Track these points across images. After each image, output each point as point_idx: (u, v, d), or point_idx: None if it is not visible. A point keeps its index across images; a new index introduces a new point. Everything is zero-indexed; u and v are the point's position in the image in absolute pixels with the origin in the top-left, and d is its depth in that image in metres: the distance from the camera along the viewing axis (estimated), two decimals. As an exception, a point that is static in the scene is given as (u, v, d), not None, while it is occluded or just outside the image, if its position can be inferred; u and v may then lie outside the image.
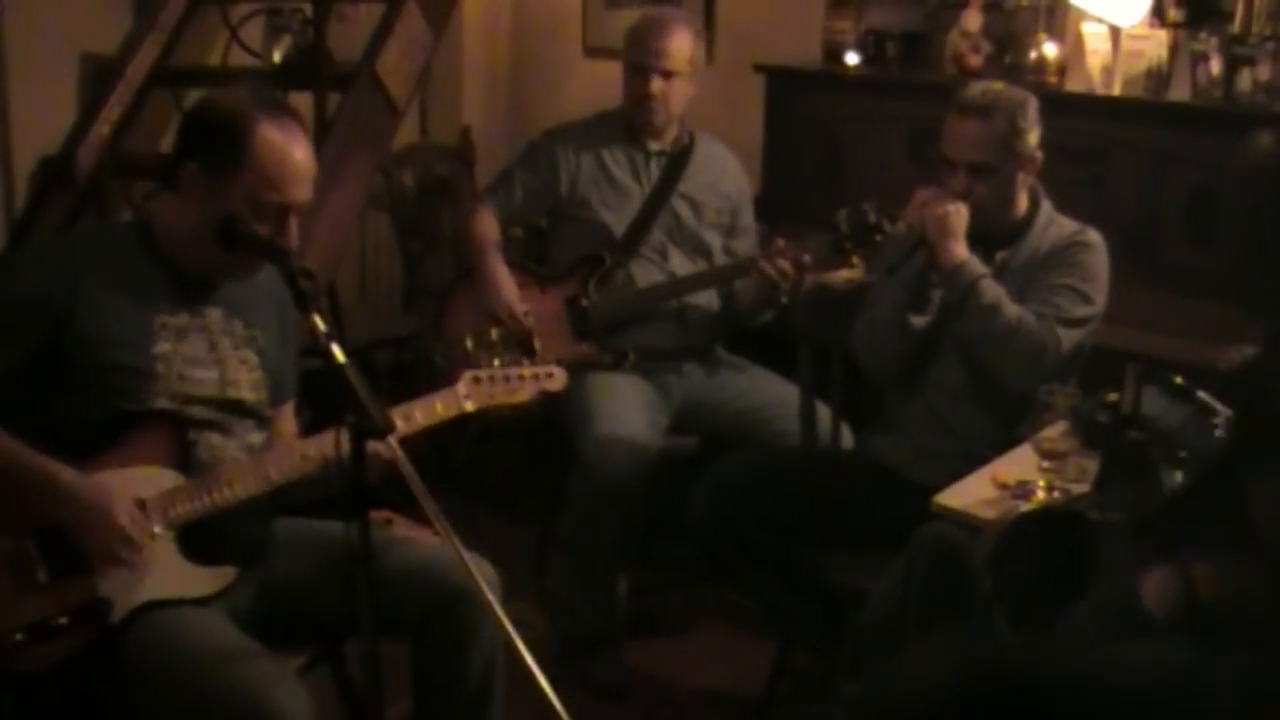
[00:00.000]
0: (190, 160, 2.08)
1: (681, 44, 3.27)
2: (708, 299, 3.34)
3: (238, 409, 2.18)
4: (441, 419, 2.22)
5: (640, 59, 3.26)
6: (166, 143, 3.73)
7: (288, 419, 2.37)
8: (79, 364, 2.04)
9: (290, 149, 2.08)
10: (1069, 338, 2.58)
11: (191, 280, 2.15)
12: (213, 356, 2.16)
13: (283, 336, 2.30)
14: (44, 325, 2.03)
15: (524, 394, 2.30)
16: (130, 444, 2.06)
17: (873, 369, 2.87)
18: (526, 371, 2.30)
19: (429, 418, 2.21)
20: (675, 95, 3.29)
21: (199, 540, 2.08)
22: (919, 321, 2.75)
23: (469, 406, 2.24)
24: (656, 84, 3.25)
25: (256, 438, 2.23)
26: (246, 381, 2.20)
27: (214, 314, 2.17)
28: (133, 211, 3.54)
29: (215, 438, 2.15)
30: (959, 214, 2.64)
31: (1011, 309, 2.58)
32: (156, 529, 2.04)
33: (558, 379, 2.34)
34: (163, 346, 2.10)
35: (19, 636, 1.96)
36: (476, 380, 2.26)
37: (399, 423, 2.09)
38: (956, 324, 2.67)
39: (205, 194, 2.07)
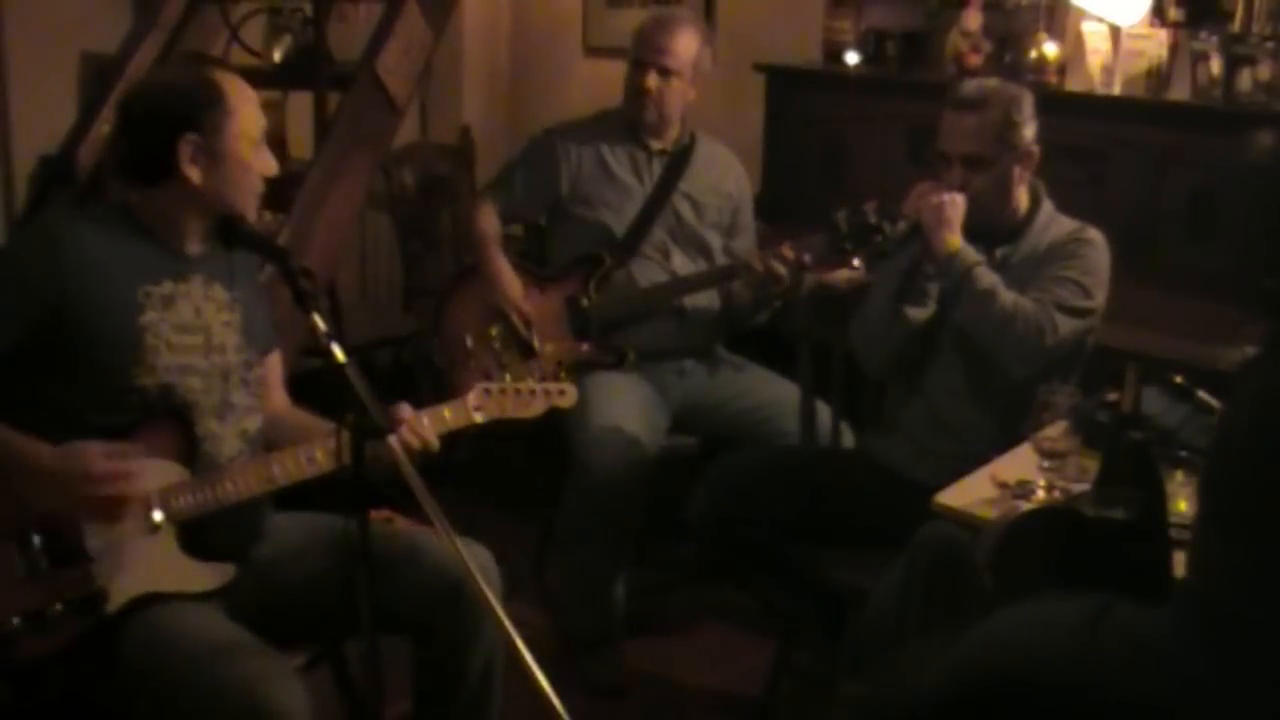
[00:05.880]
0: (185, 134, 2.09)
1: (684, 44, 3.27)
2: (708, 299, 3.34)
3: (228, 374, 2.20)
4: (449, 429, 2.24)
5: (641, 53, 3.27)
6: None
7: (275, 375, 2.40)
8: (72, 344, 2.05)
9: (242, 81, 2.18)
10: (1066, 324, 2.59)
11: (173, 250, 2.17)
12: (198, 322, 2.18)
13: (257, 293, 2.34)
14: (36, 309, 2.03)
15: (535, 409, 2.32)
16: (137, 438, 2.06)
17: (868, 362, 2.87)
18: (538, 386, 2.32)
19: (437, 426, 2.22)
20: (671, 95, 3.28)
21: (198, 535, 2.08)
22: (915, 314, 2.75)
23: (479, 419, 2.27)
24: (652, 79, 3.25)
25: (252, 423, 2.24)
26: (232, 344, 2.22)
27: (197, 280, 2.19)
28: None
29: (214, 424, 2.16)
30: (955, 204, 2.65)
31: (1008, 294, 2.59)
32: (158, 517, 2.04)
33: (569, 396, 2.36)
34: (150, 316, 2.11)
35: (15, 621, 1.97)
36: (487, 393, 2.27)
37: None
38: (954, 312, 2.67)
39: (209, 156, 2.10)
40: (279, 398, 2.42)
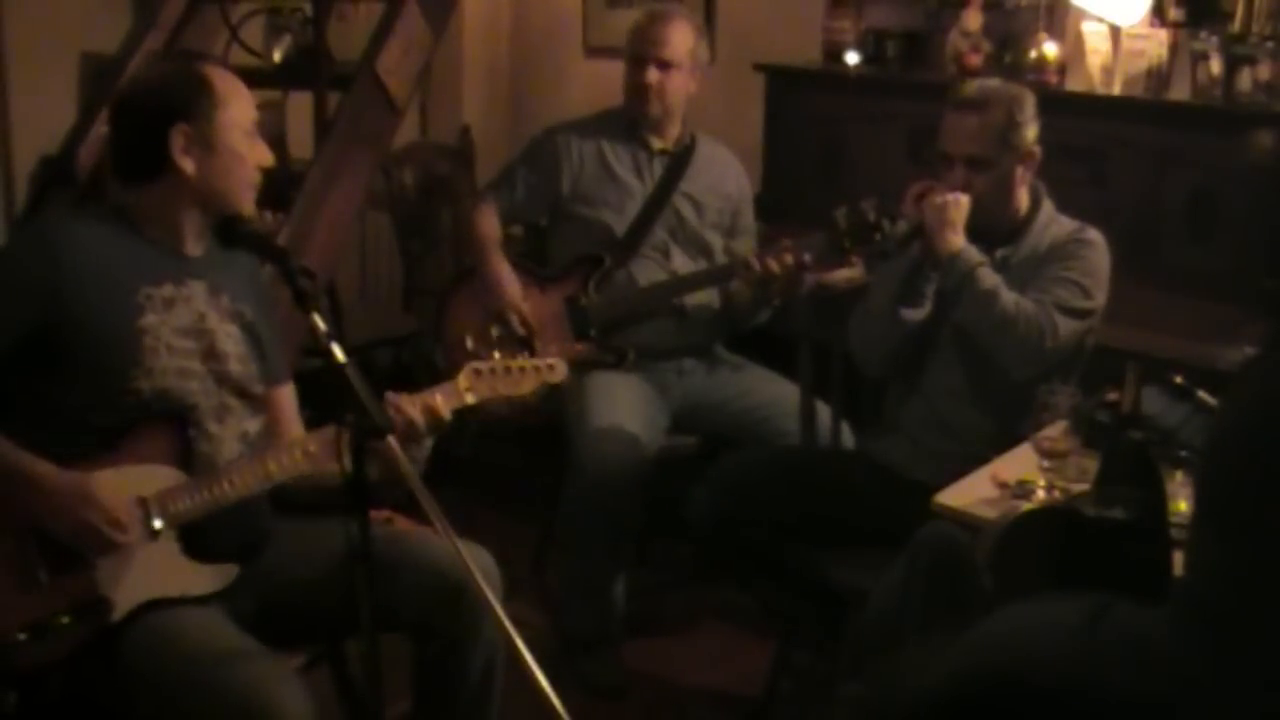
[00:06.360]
0: (174, 124, 2.10)
1: (679, 35, 3.28)
2: (708, 298, 3.34)
3: (225, 382, 2.19)
4: (441, 413, 2.22)
5: (638, 49, 3.28)
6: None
7: (288, 405, 2.37)
8: (71, 346, 2.04)
9: (230, 73, 2.19)
10: (1066, 325, 2.59)
11: (172, 255, 2.17)
12: (200, 327, 2.17)
13: (266, 312, 2.31)
14: (33, 311, 2.03)
15: (526, 386, 2.29)
16: (131, 442, 2.06)
17: (866, 362, 2.87)
18: (527, 363, 2.30)
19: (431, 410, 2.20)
20: (672, 87, 3.29)
21: (199, 537, 2.08)
22: (912, 315, 2.75)
23: (470, 399, 2.23)
24: (653, 74, 3.26)
25: (252, 425, 2.23)
26: (233, 354, 2.21)
27: (198, 287, 2.19)
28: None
29: (213, 426, 2.16)
30: (958, 204, 2.64)
31: (1009, 296, 2.59)
32: (158, 523, 2.04)
33: (558, 370, 2.33)
34: (149, 318, 2.11)
35: (21, 636, 1.96)
36: (478, 373, 2.25)
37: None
38: (955, 312, 2.67)
39: (202, 146, 2.11)
40: (295, 432, 2.35)
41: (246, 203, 2.19)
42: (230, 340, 2.21)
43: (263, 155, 2.19)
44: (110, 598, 2.01)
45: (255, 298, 2.29)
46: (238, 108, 2.15)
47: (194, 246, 2.20)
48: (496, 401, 2.26)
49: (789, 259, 3.05)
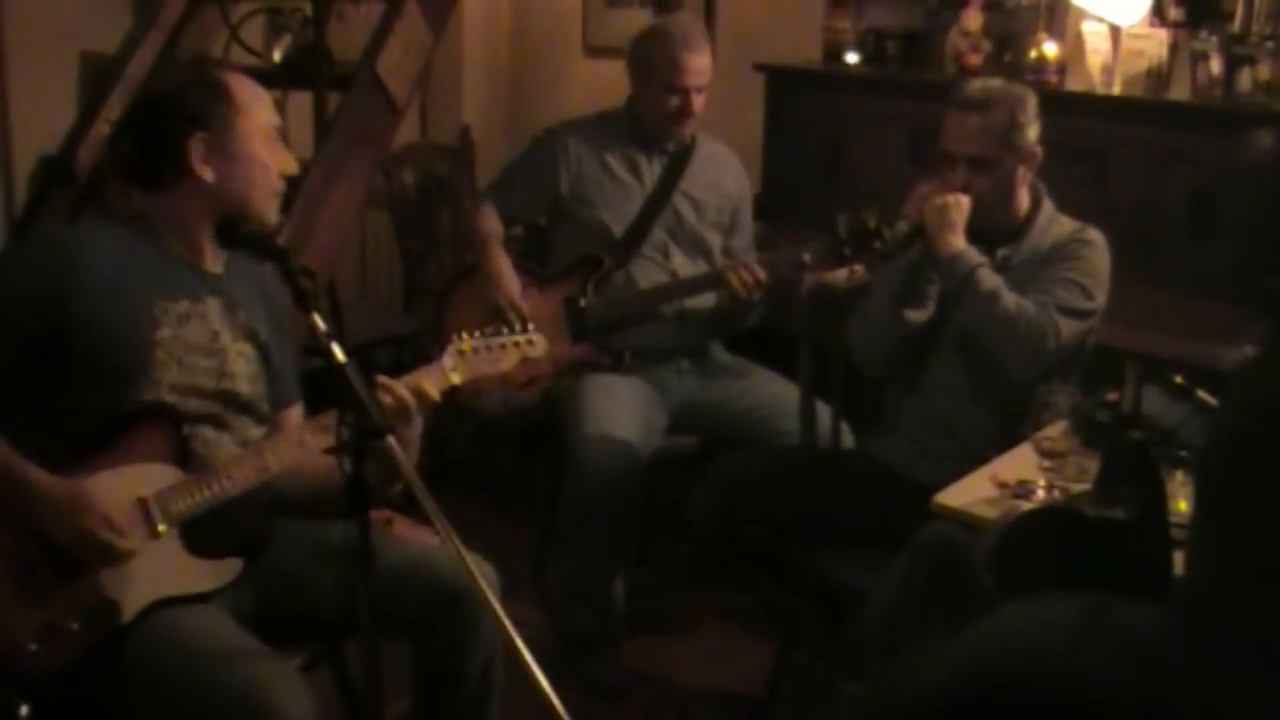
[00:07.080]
0: (192, 133, 2.09)
1: (709, 57, 3.29)
2: (706, 299, 3.34)
3: (233, 402, 2.18)
4: (430, 394, 2.22)
5: (678, 80, 3.25)
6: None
7: (295, 428, 2.36)
8: (78, 352, 2.04)
9: (250, 80, 2.18)
10: (1068, 326, 2.59)
11: (191, 269, 2.16)
12: (213, 345, 2.16)
13: (279, 334, 2.30)
14: (41, 316, 2.02)
15: (508, 362, 2.31)
16: (127, 442, 2.05)
17: (867, 362, 2.87)
18: (508, 339, 2.32)
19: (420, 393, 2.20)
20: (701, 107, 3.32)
21: (202, 534, 2.07)
22: (915, 316, 2.75)
23: (455, 379, 2.24)
24: (698, 102, 3.27)
25: (255, 433, 2.22)
26: (244, 374, 2.20)
27: (213, 303, 2.18)
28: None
29: (209, 431, 2.15)
30: (959, 205, 2.64)
31: (1010, 296, 2.59)
32: (161, 526, 2.03)
33: (538, 345, 2.36)
34: (164, 332, 2.10)
35: (34, 646, 1.95)
36: (461, 353, 2.26)
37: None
38: (956, 313, 2.67)
39: (222, 155, 2.11)
40: None
41: (270, 211, 2.18)
42: (242, 359, 2.20)
43: (286, 162, 2.17)
44: (118, 600, 2.00)
45: (270, 318, 2.28)
46: (258, 114, 2.14)
47: (213, 262, 2.19)
48: (483, 380, 2.28)
49: (749, 278, 3.11)
